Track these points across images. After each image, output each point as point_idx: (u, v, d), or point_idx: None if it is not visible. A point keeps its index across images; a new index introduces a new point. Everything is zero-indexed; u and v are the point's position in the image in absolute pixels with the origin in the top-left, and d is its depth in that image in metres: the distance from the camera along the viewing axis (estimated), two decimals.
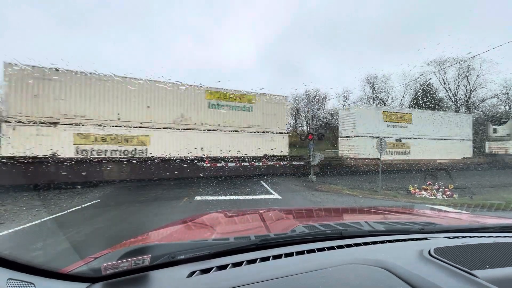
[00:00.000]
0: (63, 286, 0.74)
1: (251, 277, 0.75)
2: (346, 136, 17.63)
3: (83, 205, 7.48)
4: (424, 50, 40.41)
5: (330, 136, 26.36)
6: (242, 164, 14.07)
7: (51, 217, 6.17)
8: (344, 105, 34.18)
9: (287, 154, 15.04)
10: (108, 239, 4.55)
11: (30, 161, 9.70)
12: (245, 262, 0.85)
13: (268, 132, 14.57)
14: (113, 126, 11.48)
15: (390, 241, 1.04)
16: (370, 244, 1.01)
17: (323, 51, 60.06)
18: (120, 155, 11.55)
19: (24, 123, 10.12)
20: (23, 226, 5.29)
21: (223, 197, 8.73)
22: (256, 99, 14.45)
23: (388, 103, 34.87)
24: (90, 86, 11.23)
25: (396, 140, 17.65)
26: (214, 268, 0.81)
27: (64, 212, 6.63)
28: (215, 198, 8.62)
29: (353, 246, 0.98)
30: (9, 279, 0.66)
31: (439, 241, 1.05)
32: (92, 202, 7.94)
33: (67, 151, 10.68)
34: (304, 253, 0.92)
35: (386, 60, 54.48)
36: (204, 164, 12.96)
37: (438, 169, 17.34)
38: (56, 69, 10.68)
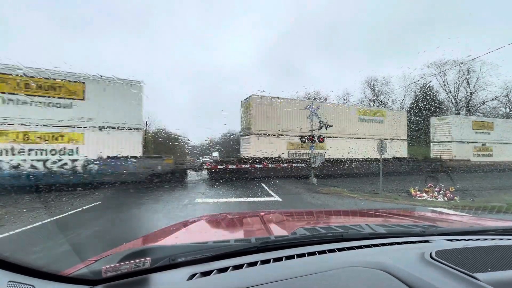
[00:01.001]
0: None
1: (252, 280, 0.75)
2: (441, 141, 20.79)
3: (84, 207, 7.48)
4: (424, 53, 40.55)
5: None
6: (243, 166, 14.12)
7: (51, 219, 6.17)
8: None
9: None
10: (108, 241, 4.55)
11: None
12: (245, 264, 0.85)
13: None
14: None
15: (391, 244, 1.03)
16: (371, 247, 1.00)
17: (323, 53, 60.33)
18: None
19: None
20: (23, 228, 5.29)
21: (224, 199, 8.72)
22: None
23: (389, 105, 34.91)
24: None
25: (482, 144, 21.02)
26: (215, 271, 0.81)
27: (64, 214, 6.62)
28: (216, 200, 8.62)
29: (354, 249, 0.98)
30: (9, 281, 0.65)
31: (441, 243, 1.04)
32: (93, 204, 7.94)
33: None
34: (305, 256, 0.92)
35: (386, 63, 54.67)
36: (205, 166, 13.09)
37: (439, 171, 17.39)
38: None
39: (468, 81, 32.27)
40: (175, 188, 11.39)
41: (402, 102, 35.14)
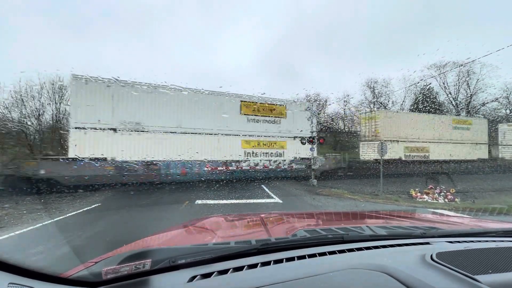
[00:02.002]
0: None
1: (252, 282, 0.74)
2: (509, 145, 23.00)
3: (84, 209, 7.47)
4: (423, 55, 40.52)
5: (331, 140, 26.48)
6: (243, 167, 14.13)
7: (52, 220, 6.16)
8: (344, 109, 34.40)
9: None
10: (108, 243, 4.53)
11: None
12: (246, 266, 0.85)
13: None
14: None
15: (392, 246, 1.03)
16: (372, 249, 1.00)
17: (323, 55, 60.35)
18: None
19: None
20: (23, 230, 5.29)
21: (224, 201, 8.71)
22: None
23: (389, 107, 34.91)
24: None
25: None
26: (215, 273, 0.81)
27: (65, 216, 6.62)
28: (216, 202, 8.61)
29: (354, 251, 0.98)
30: (10, 283, 0.66)
31: (441, 245, 1.04)
32: (93, 206, 7.93)
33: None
34: (306, 258, 0.92)
35: (386, 64, 54.71)
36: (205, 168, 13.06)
37: (440, 173, 17.41)
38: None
39: (468, 83, 32.31)
40: (175, 190, 11.39)
41: (402, 103, 35.17)
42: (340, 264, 0.86)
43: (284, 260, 0.90)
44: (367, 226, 1.26)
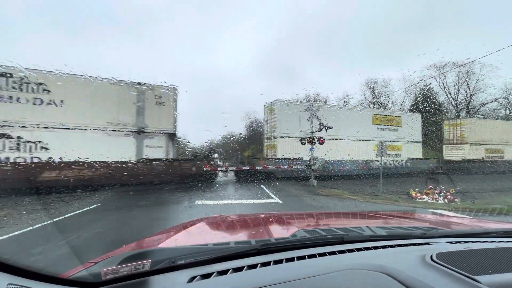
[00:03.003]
0: None
1: (252, 283, 0.74)
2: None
3: (84, 209, 7.47)
4: (423, 55, 40.58)
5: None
6: (243, 168, 14.17)
7: (51, 221, 6.15)
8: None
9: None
10: (108, 243, 4.53)
11: None
12: (246, 267, 0.84)
13: None
14: None
15: (392, 246, 1.03)
16: (372, 249, 1.00)
17: (322, 56, 60.46)
18: None
19: None
20: (23, 230, 5.28)
21: (224, 201, 8.70)
22: None
23: (389, 107, 34.95)
24: None
25: None
26: (215, 273, 0.80)
27: (64, 216, 6.61)
28: (215, 202, 8.60)
29: (354, 251, 0.98)
30: (9, 284, 0.65)
31: (441, 246, 1.04)
32: (93, 206, 7.92)
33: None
34: (305, 258, 0.92)
35: (386, 65, 54.79)
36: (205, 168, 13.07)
37: (439, 173, 17.47)
38: None
39: (468, 83, 32.35)
40: (174, 190, 11.38)
41: (402, 104, 35.20)
42: (340, 264, 0.86)
43: (284, 260, 0.89)
44: (367, 227, 1.26)
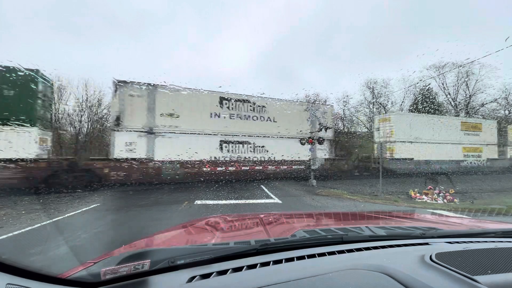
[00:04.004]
0: None
1: (251, 282, 0.74)
2: None
3: (83, 209, 7.46)
4: (423, 56, 40.60)
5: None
6: (242, 168, 14.20)
7: (50, 221, 6.14)
8: (343, 110, 34.48)
9: None
10: (107, 243, 4.53)
11: None
12: (245, 267, 0.84)
13: None
14: None
15: (391, 246, 1.03)
16: (371, 249, 1.00)
17: (321, 56, 60.47)
18: None
19: None
20: (22, 230, 5.27)
21: (223, 202, 8.70)
22: None
23: (388, 107, 34.98)
24: None
25: None
26: (214, 273, 0.80)
27: (63, 216, 6.60)
28: (215, 202, 8.60)
29: (354, 251, 0.98)
30: (8, 284, 0.65)
31: (441, 246, 1.04)
32: (92, 206, 7.91)
33: None
34: (305, 258, 0.92)
35: (385, 65, 54.82)
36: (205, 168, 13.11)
37: (439, 173, 17.50)
38: None
39: (467, 84, 32.40)
40: (174, 190, 11.38)
41: (401, 104, 35.22)
42: (339, 264, 0.86)
43: (284, 260, 0.89)
44: (366, 227, 1.26)
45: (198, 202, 8.57)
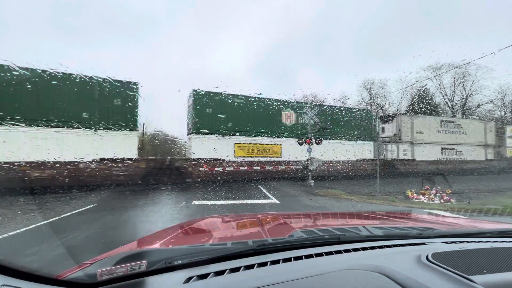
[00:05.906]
0: None
1: (249, 283, 0.74)
2: None
3: (79, 210, 7.40)
4: (419, 57, 40.97)
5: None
6: (240, 168, 14.21)
7: (46, 221, 6.09)
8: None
9: None
10: (104, 244, 4.50)
11: None
12: (242, 267, 0.84)
13: None
14: None
15: (388, 246, 1.03)
16: (368, 249, 1.00)
17: (319, 57, 60.70)
18: None
19: None
20: (17, 231, 5.22)
21: (221, 202, 8.69)
22: None
23: (385, 108, 35.17)
24: None
25: None
26: (212, 274, 0.80)
27: (59, 217, 6.55)
28: (213, 202, 8.58)
29: (351, 251, 0.98)
30: (3, 285, 0.65)
31: (437, 246, 1.05)
32: (89, 207, 7.86)
33: None
34: (302, 258, 0.92)
35: (382, 66, 55.12)
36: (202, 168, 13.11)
37: (436, 173, 17.59)
38: None
39: (463, 85, 32.66)
40: (172, 190, 11.34)
41: (399, 104, 35.42)
42: (336, 264, 0.86)
43: (281, 260, 0.89)
44: (363, 227, 1.26)
45: (196, 202, 8.55)
